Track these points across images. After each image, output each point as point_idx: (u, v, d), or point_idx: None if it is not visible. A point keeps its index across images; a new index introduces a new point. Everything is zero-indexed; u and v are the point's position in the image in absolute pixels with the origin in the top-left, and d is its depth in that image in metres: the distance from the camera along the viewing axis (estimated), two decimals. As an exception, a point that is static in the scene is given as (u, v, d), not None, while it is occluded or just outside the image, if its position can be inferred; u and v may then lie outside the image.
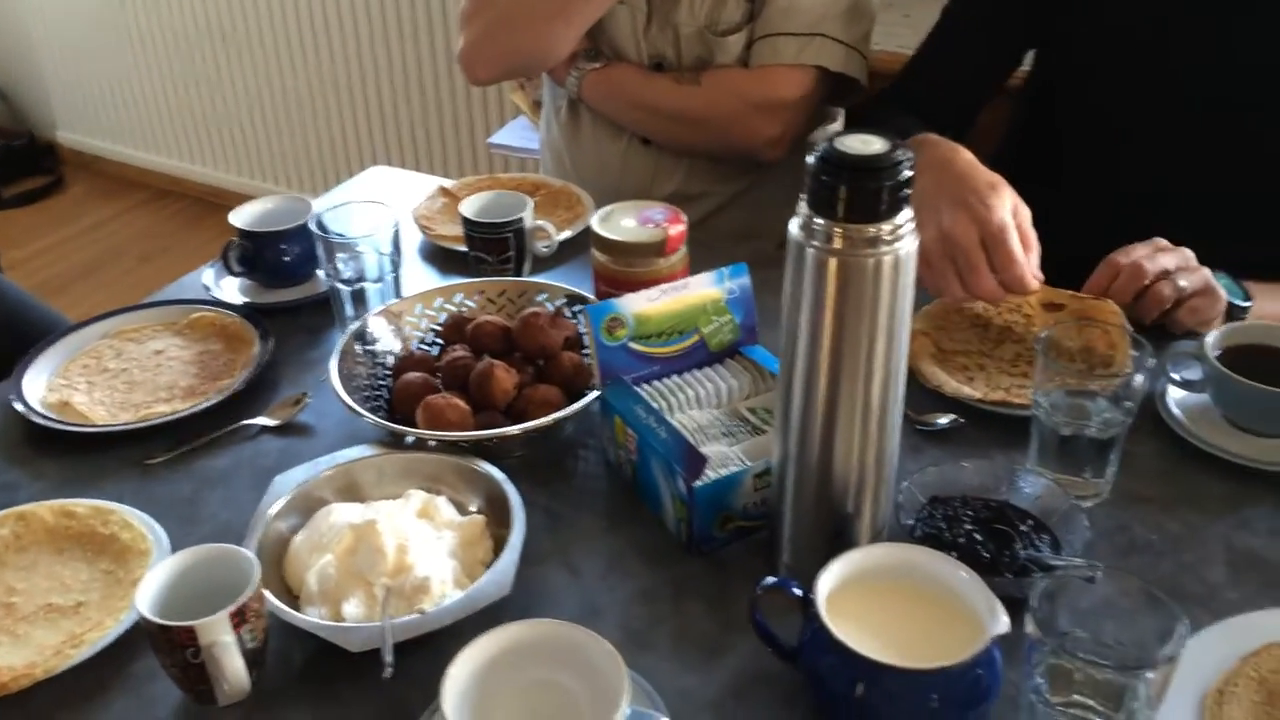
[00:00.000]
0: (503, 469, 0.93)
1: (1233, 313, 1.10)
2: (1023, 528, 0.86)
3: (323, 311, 1.21)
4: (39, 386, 1.12)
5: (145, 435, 1.05)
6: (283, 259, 1.26)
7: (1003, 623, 0.70)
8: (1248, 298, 1.11)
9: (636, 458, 0.94)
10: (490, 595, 0.81)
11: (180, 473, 1.02)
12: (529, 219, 1.26)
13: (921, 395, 1.05)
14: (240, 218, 1.28)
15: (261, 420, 1.07)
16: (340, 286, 1.15)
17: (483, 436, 0.96)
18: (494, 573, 0.83)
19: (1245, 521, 0.92)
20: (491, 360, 1.02)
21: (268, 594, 0.80)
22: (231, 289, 1.28)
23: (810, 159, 0.73)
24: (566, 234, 1.35)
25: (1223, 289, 1.09)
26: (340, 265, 1.14)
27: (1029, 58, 1.38)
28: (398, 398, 1.03)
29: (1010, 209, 1.01)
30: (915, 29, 1.38)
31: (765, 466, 0.88)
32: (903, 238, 0.74)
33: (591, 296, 1.13)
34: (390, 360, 1.09)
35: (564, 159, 1.56)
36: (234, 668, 0.75)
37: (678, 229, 1.10)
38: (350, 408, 0.98)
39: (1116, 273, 1.07)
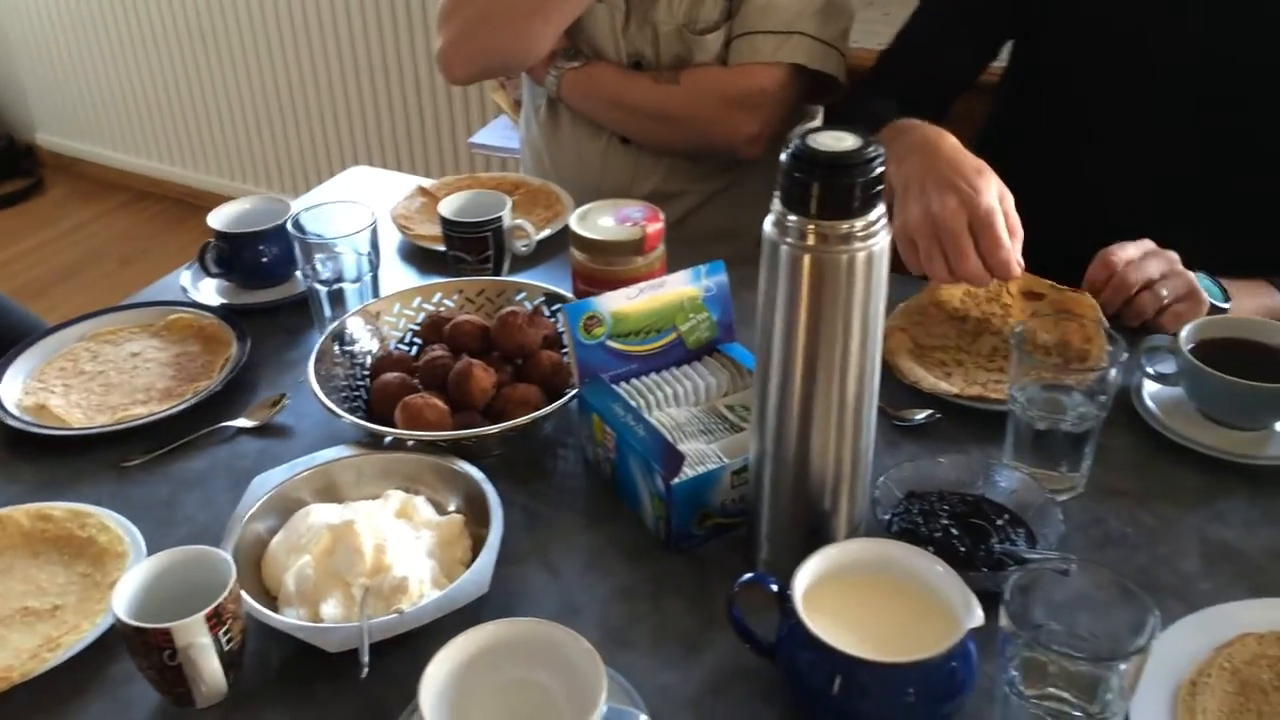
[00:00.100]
0: (481, 468, 0.93)
1: (1213, 313, 1.11)
2: (999, 522, 0.87)
3: (301, 312, 1.20)
4: (15, 390, 1.11)
5: (122, 438, 1.04)
6: (260, 260, 1.26)
7: (977, 616, 0.71)
8: (1226, 298, 1.12)
9: (615, 456, 0.94)
10: (468, 594, 0.81)
11: (157, 475, 1.01)
12: (507, 218, 1.26)
13: (899, 391, 1.06)
14: (217, 219, 1.27)
15: (239, 422, 1.07)
16: (318, 287, 1.15)
17: (461, 436, 0.96)
18: (472, 572, 0.83)
19: (1219, 514, 0.93)
20: (470, 360, 1.02)
21: (245, 595, 0.80)
22: (209, 290, 1.27)
23: (783, 156, 0.73)
24: (546, 233, 1.35)
25: (1204, 291, 1.11)
26: (318, 266, 1.14)
27: (1005, 54, 1.38)
28: (376, 398, 1.03)
29: (997, 194, 1.02)
30: (894, 27, 1.39)
31: (743, 463, 0.88)
32: (876, 234, 0.74)
33: (570, 295, 1.13)
34: (369, 360, 1.09)
35: (543, 158, 1.56)
36: (211, 669, 0.75)
37: (655, 227, 1.11)
38: (328, 408, 0.98)
39: (1110, 270, 1.09)
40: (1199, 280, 1.10)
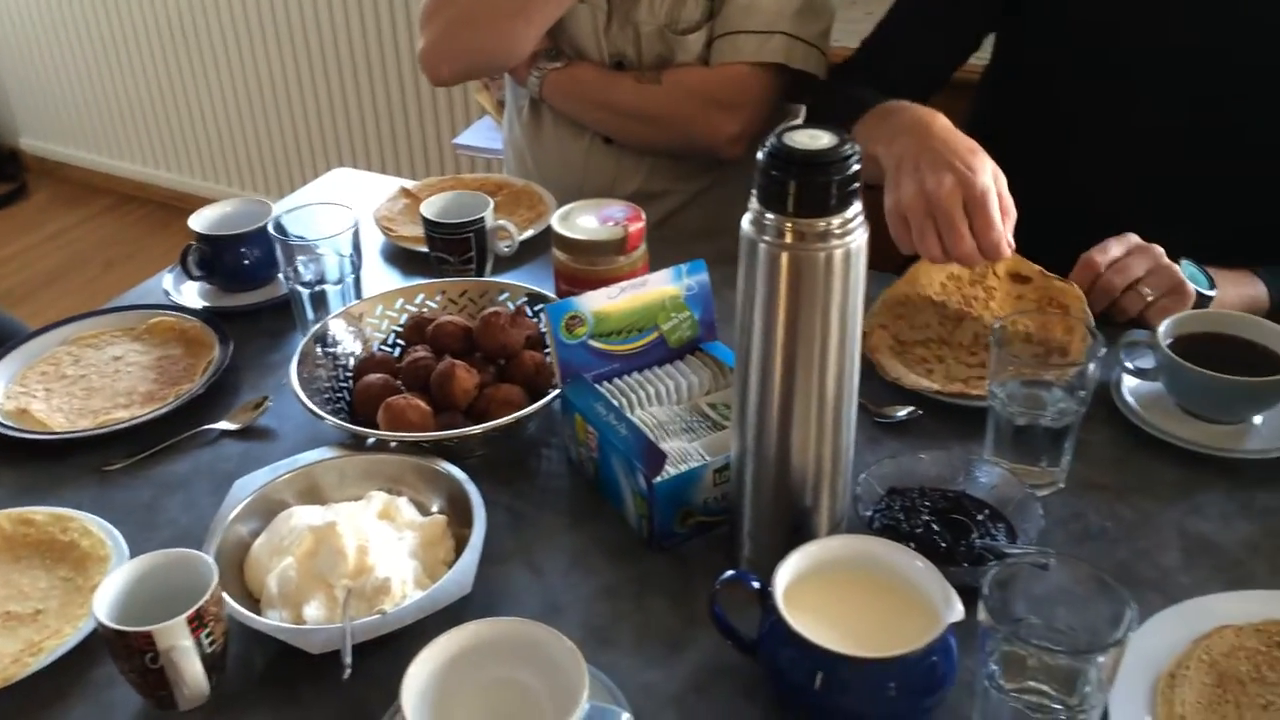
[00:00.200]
0: (464, 469, 0.93)
1: (1200, 301, 1.11)
2: (979, 517, 0.87)
3: (283, 314, 1.20)
4: (-4, 394, 1.11)
5: (104, 442, 1.04)
6: (242, 262, 1.25)
7: (957, 611, 0.71)
8: (1212, 285, 1.12)
9: (598, 455, 0.94)
10: (451, 595, 0.81)
11: (140, 479, 1.01)
12: (490, 219, 1.26)
13: (881, 388, 1.06)
14: (199, 221, 1.27)
15: (222, 425, 1.07)
16: (300, 289, 1.15)
17: (444, 437, 0.96)
18: (455, 572, 0.83)
19: (1197, 507, 0.94)
20: (452, 360, 1.02)
21: (227, 597, 0.80)
22: (191, 293, 1.27)
23: (759, 154, 0.74)
24: (528, 233, 1.35)
25: (1188, 279, 1.11)
26: (300, 268, 1.14)
27: (987, 53, 1.39)
28: (359, 399, 1.03)
29: (991, 174, 1.02)
30: (876, 24, 1.39)
31: (725, 462, 0.88)
32: (853, 231, 0.74)
33: (553, 295, 1.13)
34: (351, 362, 1.09)
35: (526, 159, 1.56)
36: (193, 672, 0.75)
37: (637, 226, 1.11)
38: (311, 410, 0.98)
39: (1094, 272, 1.09)
40: (1185, 268, 1.11)
